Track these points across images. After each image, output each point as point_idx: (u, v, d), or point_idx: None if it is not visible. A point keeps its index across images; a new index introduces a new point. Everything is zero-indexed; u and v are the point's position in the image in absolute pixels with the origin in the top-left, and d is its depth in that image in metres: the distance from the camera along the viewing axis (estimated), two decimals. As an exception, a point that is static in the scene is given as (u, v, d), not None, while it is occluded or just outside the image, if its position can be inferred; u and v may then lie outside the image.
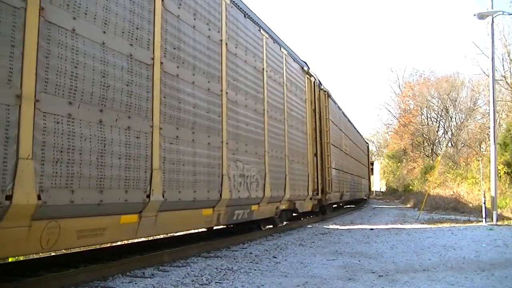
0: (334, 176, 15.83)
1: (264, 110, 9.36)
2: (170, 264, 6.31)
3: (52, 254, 6.52)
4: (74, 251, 6.72)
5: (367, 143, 36.61)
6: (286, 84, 10.98)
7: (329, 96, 15.85)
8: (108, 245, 7.73)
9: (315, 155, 13.26)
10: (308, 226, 13.04)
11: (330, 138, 15.15)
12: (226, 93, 7.68)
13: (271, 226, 10.85)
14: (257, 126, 8.99)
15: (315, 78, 14.13)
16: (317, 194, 13.15)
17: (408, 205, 27.10)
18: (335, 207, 21.05)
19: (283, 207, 10.51)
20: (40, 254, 6.14)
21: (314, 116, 13.56)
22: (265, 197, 9.09)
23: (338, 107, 19.28)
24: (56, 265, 5.89)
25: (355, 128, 26.85)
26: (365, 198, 30.75)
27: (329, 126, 15.24)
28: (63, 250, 6.68)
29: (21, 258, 6.26)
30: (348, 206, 24.95)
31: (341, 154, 18.63)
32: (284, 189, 10.26)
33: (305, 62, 13.19)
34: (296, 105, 11.78)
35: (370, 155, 42.01)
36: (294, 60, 11.95)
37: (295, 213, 11.94)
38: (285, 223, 11.75)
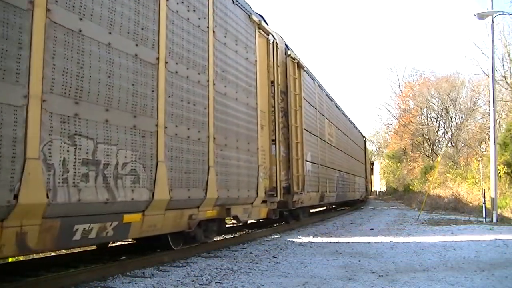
0: (310, 172, 12.64)
1: (157, 58, 5.80)
2: (170, 264, 6.31)
3: (52, 254, 6.53)
4: (74, 251, 6.72)
5: (364, 137, 31.72)
6: (214, 32, 7.30)
7: (301, 67, 12.15)
8: (108, 245, 7.73)
9: (274, 141, 9.58)
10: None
11: (302, 121, 11.81)
12: (48, 10, 4.27)
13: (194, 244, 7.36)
14: (137, 82, 5.42)
15: (274, 38, 10.09)
16: (276, 195, 9.35)
17: (408, 206, 27.08)
18: (320, 210, 19.02)
19: (205, 215, 6.92)
20: (40, 254, 6.14)
21: (272, 89, 9.90)
22: (157, 201, 5.61)
23: (319, 85, 15.32)
24: (56, 265, 5.89)
25: (346, 117, 22.27)
26: (361, 199, 26.73)
27: (302, 107, 11.85)
28: (63, 250, 6.69)
29: (21, 258, 6.26)
30: (344, 208, 23.00)
31: (322, 145, 14.83)
32: (205, 188, 6.67)
33: (261, 16, 9.57)
34: (235, 66, 8.03)
35: (369, 154, 41.52)
36: (233, 2, 8.17)
37: (239, 223, 9.01)
38: (217, 238, 8.53)
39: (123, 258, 6.64)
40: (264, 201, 8.94)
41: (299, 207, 11.73)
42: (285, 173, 10.66)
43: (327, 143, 15.92)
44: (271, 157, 9.61)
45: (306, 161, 12.13)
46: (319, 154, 14.30)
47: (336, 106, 19.23)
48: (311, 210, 16.16)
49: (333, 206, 21.40)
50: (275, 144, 9.73)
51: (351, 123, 24.30)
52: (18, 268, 5.54)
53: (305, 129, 12.16)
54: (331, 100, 17.97)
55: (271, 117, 9.81)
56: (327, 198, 15.36)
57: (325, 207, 19.86)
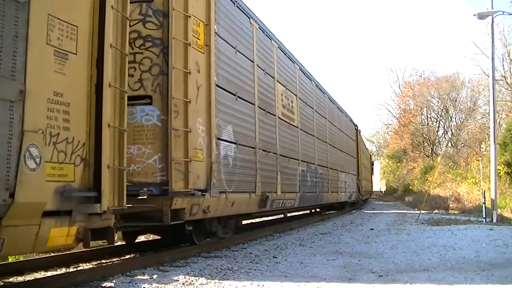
0: (232, 159, 7.83)
1: None
2: (170, 264, 6.30)
3: (52, 254, 6.53)
4: (74, 251, 6.71)
5: (356, 125, 25.02)
6: None
7: None
8: (108, 245, 7.71)
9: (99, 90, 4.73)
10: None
11: (212, 72, 7.12)
12: None
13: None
14: None
15: None
16: (98, 197, 4.46)
17: (408, 206, 27.07)
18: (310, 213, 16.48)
19: None
20: (40, 254, 6.14)
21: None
22: None
23: (263, 29, 9.98)
24: (56, 265, 5.89)
25: (324, 94, 16.58)
26: (350, 201, 21.32)
27: (212, 47, 7.19)
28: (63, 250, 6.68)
29: (21, 258, 6.27)
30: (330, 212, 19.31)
31: (268, 121, 9.84)
32: None
33: None
34: None
35: (369, 152, 41.20)
36: None
37: None
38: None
39: (123, 258, 6.64)
40: (66, 213, 4.24)
41: (200, 218, 7.01)
42: (161, 158, 6.12)
43: (281, 120, 10.69)
44: (89, 123, 4.61)
45: (221, 139, 7.41)
46: (259, 134, 9.15)
47: (303, 71, 13.38)
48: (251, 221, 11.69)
49: (314, 210, 17.70)
50: (100, 96, 4.70)
51: (333, 102, 18.28)
52: (18, 268, 5.54)
53: (219, 86, 7.43)
54: (292, 60, 12.35)
55: (88, 48, 4.66)
56: (279, 202, 10.23)
57: (282, 215, 13.33)
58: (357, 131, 25.33)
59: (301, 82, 13.10)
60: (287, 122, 11.28)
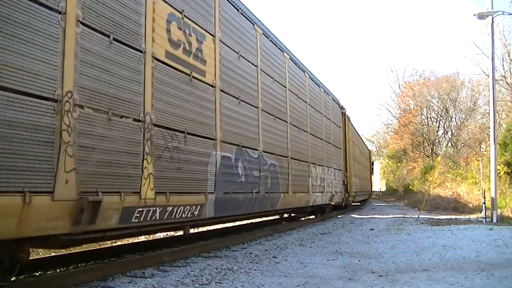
0: None
1: None
2: (170, 264, 6.31)
3: (52, 254, 6.53)
4: (75, 251, 6.72)
5: (343, 108, 19.97)
6: None
7: None
8: (108, 245, 7.74)
9: None
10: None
11: None
12: None
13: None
14: None
15: None
16: None
17: (409, 206, 27.07)
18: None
19: None
20: (40, 254, 6.14)
21: None
22: None
23: None
24: (56, 265, 5.89)
25: (282, 51, 11.42)
26: (332, 204, 16.69)
27: None
28: (63, 250, 6.68)
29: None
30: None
31: (114, 58, 5.17)
32: None
33: None
34: None
35: (368, 149, 40.87)
36: None
37: None
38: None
39: (123, 258, 6.64)
40: None
41: None
42: None
43: (165, 64, 6.16)
44: None
45: None
46: (81, 77, 4.66)
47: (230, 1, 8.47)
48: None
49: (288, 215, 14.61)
50: None
51: (303, 70, 13.50)
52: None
53: None
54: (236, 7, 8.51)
55: None
56: (147, 212, 5.62)
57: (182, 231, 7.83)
58: (345, 116, 20.10)
59: (227, 18, 8.27)
60: (184, 73, 6.64)
